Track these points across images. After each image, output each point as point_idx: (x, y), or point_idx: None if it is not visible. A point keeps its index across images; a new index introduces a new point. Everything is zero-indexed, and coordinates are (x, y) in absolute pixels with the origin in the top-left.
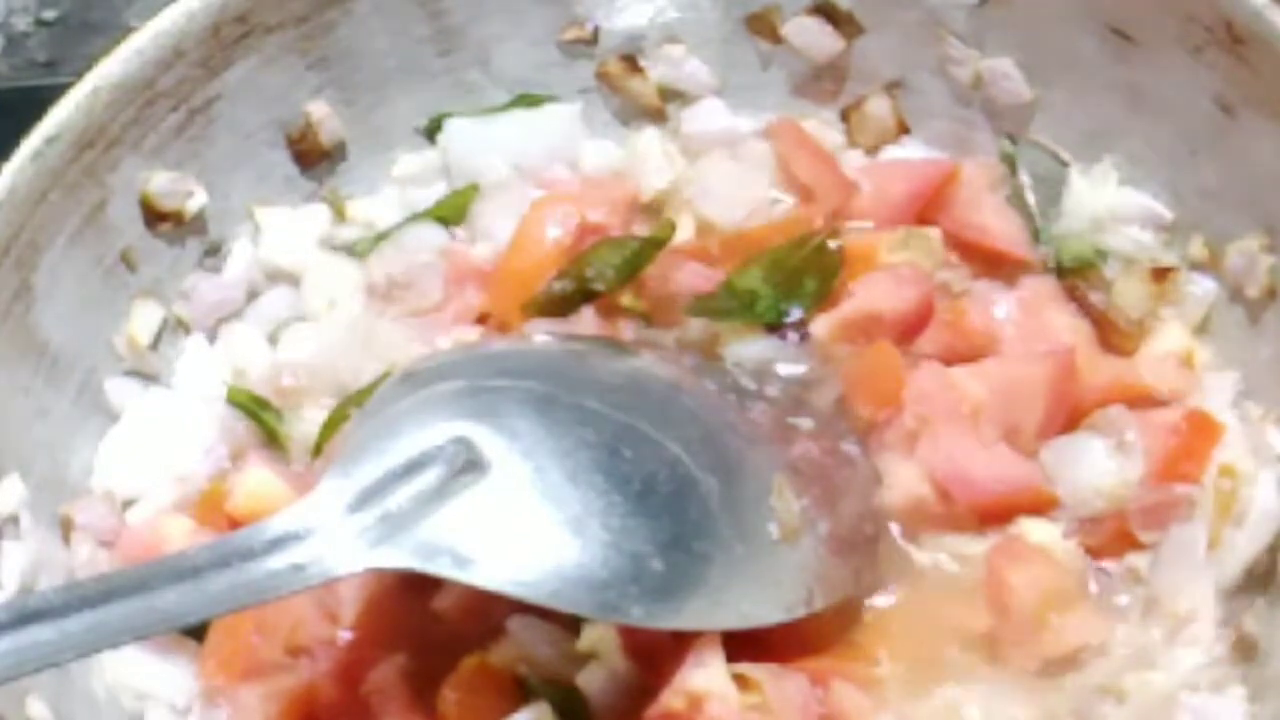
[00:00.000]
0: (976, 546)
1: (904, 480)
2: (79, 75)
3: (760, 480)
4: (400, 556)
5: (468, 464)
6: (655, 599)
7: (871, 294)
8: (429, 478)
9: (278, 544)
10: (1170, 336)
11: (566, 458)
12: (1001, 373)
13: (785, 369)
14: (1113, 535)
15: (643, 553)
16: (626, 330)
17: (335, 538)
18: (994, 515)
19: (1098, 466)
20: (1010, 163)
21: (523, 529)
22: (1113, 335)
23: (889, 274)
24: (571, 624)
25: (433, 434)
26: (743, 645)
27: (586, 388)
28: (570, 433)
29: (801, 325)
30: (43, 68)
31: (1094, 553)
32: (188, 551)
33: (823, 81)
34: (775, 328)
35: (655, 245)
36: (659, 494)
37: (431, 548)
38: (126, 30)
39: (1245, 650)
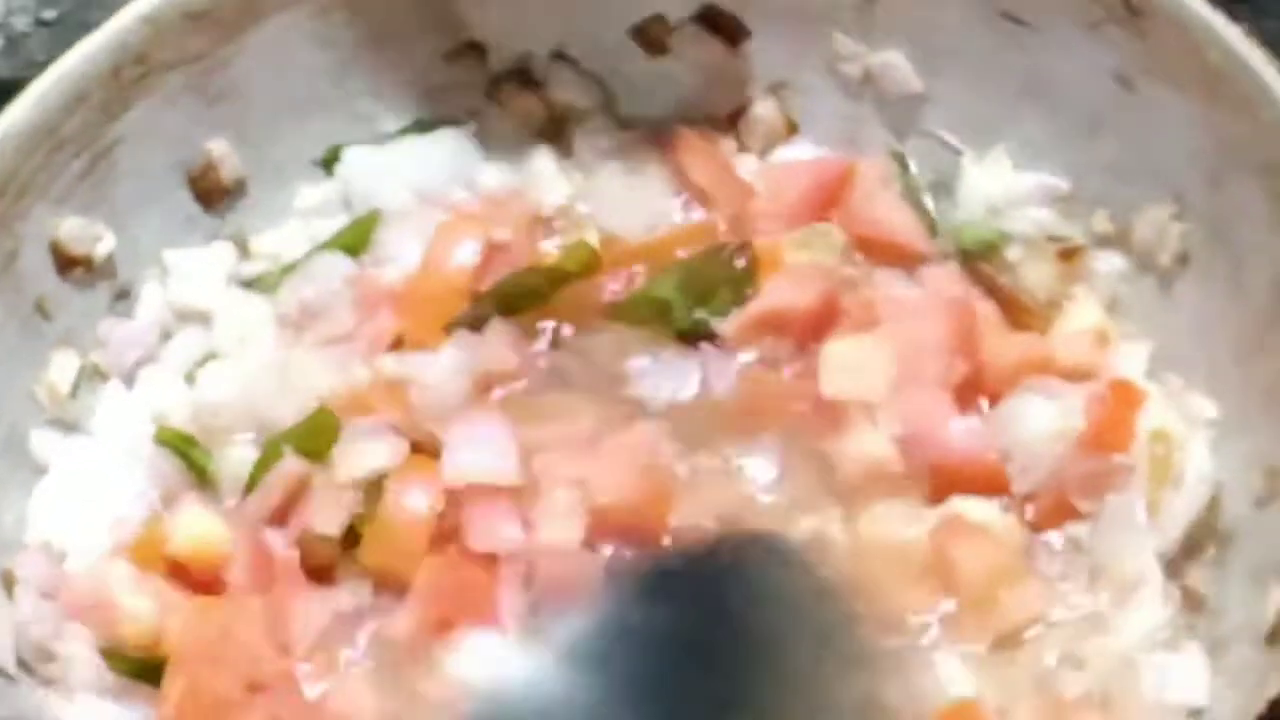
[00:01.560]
0: (920, 527)
1: (869, 441)
2: None
3: None
4: None
5: None
6: None
7: (777, 293)
8: None
9: None
10: (1084, 314)
11: None
12: (901, 331)
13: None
14: (1051, 508)
15: None
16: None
17: None
18: (947, 483)
19: (1041, 419)
20: (900, 158)
21: None
22: (1023, 316)
23: (793, 273)
24: None
25: None
26: None
27: None
28: None
29: (713, 335)
30: (43, 68)
31: (1034, 526)
32: None
33: (711, 87)
34: (688, 336)
35: (572, 277)
36: None
37: None
38: None
39: (1194, 608)
